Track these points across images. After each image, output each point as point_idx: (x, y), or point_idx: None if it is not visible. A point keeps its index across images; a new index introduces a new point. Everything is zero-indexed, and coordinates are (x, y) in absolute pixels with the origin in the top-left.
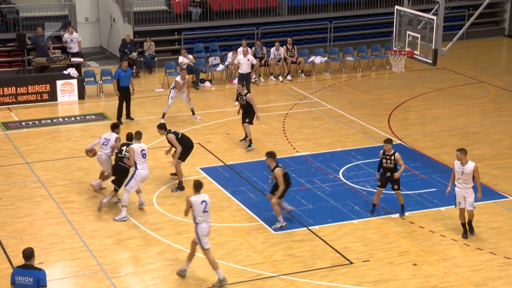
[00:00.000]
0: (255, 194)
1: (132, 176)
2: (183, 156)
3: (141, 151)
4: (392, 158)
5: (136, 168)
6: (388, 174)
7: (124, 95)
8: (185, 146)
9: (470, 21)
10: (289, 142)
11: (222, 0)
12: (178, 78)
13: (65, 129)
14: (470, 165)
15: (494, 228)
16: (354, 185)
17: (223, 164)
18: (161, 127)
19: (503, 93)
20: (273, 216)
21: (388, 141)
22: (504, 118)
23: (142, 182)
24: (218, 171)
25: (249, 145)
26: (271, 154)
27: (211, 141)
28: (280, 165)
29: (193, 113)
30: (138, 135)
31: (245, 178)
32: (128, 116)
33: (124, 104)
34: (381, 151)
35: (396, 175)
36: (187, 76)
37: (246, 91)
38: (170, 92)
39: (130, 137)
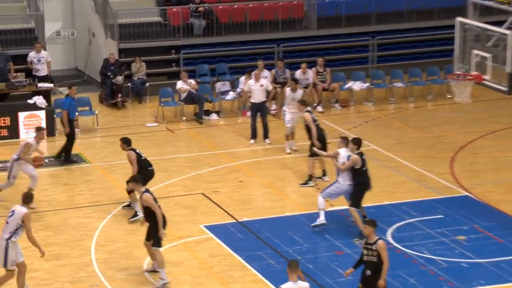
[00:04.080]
0: (277, 260)
1: None
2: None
3: None
4: (374, 248)
5: None
6: (368, 272)
7: (73, 131)
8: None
9: None
10: (319, 189)
11: (232, 10)
12: (30, 140)
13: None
14: None
15: None
16: (407, 250)
17: (234, 221)
18: (125, 141)
19: None
20: None
21: (369, 223)
22: None
23: None
24: (228, 230)
25: (306, 183)
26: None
27: (219, 191)
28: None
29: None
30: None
31: (263, 240)
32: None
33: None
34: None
35: (381, 283)
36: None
37: (305, 110)
38: None
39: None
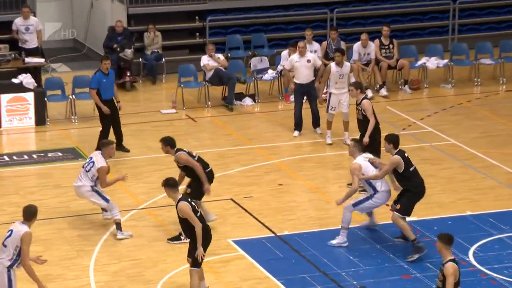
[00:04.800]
0: (325, 286)
1: None
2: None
3: None
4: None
5: None
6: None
7: (111, 113)
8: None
9: None
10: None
11: None
12: (101, 164)
13: (13, 174)
14: None
15: None
16: (494, 275)
17: (272, 234)
18: (167, 142)
19: None
20: None
21: (442, 238)
22: None
23: None
24: (263, 247)
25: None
26: None
27: (252, 197)
28: None
29: None
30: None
31: (308, 259)
32: (119, 145)
33: (112, 129)
34: None
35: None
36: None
37: (363, 96)
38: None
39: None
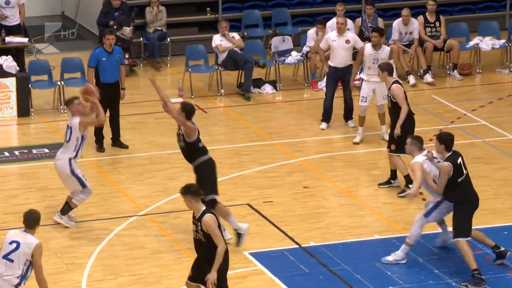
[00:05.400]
0: None
1: None
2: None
3: None
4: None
5: None
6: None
7: (109, 99)
8: None
9: None
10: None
11: None
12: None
13: None
14: None
15: None
16: None
17: (296, 246)
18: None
19: None
20: None
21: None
22: None
23: None
24: (286, 260)
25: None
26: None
27: (273, 201)
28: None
29: None
30: None
31: (338, 275)
32: (116, 140)
33: (108, 118)
34: None
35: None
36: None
37: (393, 80)
38: None
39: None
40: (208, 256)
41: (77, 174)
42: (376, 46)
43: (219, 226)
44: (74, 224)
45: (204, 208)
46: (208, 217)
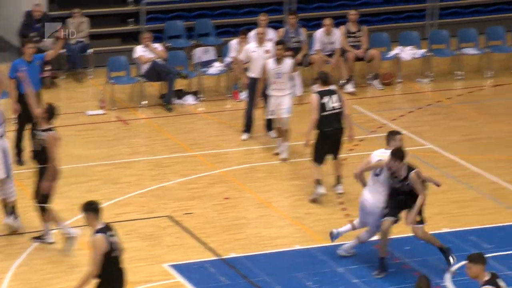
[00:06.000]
0: None
1: None
2: None
3: None
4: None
5: None
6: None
7: (28, 111)
8: None
9: None
10: (348, 215)
11: None
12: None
13: None
14: None
15: None
16: None
17: (216, 257)
18: None
19: None
20: None
21: (474, 258)
22: None
23: None
24: (206, 272)
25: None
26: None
27: (193, 213)
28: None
29: None
30: None
31: (259, 286)
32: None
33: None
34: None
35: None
36: None
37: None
38: None
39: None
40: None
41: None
42: (279, 60)
43: (111, 250)
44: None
45: (100, 226)
46: (97, 237)
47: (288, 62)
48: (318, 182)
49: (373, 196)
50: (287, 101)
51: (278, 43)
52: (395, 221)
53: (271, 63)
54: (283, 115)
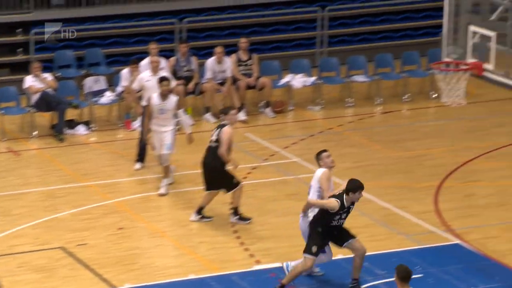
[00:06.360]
0: None
1: None
2: None
3: None
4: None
5: None
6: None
7: None
8: None
9: None
10: (243, 244)
11: None
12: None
13: None
14: None
15: None
16: None
17: None
18: None
19: None
20: None
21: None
22: None
23: None
24: None
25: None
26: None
27: (87, 244)
28: None
29: None
30: None
31: None
32: None
33: None
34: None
35: None
36: None
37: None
38: None
39: None
40: None
41: None
42: (163, 96)
43: None
44: None
45: None
46: None
47: (173, 99)
48: (199, 209)
49: (303, 220)
50: (169, 137)
51: (162, 79)
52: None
53: (155, 99)
54: (163, 151)
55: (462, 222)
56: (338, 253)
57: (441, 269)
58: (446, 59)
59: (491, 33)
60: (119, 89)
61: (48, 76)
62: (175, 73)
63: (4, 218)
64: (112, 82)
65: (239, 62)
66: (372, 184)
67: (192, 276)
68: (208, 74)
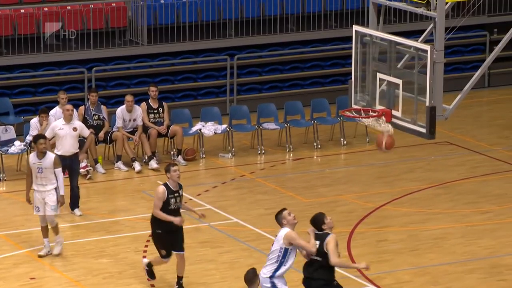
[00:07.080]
0: None
1: None
2: None
3: None
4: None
5: None
6: None
7: None
8: None
9: (495, 52)
10: None
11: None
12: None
13: None
14: None
15: None
16: None
17: None
18: None
19: None
20: None
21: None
22: None
23: None
24: None
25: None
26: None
27: None
28: None
29: None
30: None
31: None
32: None
33: None
34: None
35: None
36: None
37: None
38: None
39: None
40: None
41: None
42: (40, 154)
43: None
44: None
45: None
46: None
47: (50, 157)
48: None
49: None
50: (52, 197)
51: (37, 137)
52: None
53: (32, 157)
54: (47, 212)
55: (375, 267)
56: None
57: None
58: (355, 106)
59: (398, 81)
60: (28, 138)
61: None
62: (85, 122)
63: None
64: (22, 132)
65: (150, 110)
66: None
67: None
68: (118, 123)
